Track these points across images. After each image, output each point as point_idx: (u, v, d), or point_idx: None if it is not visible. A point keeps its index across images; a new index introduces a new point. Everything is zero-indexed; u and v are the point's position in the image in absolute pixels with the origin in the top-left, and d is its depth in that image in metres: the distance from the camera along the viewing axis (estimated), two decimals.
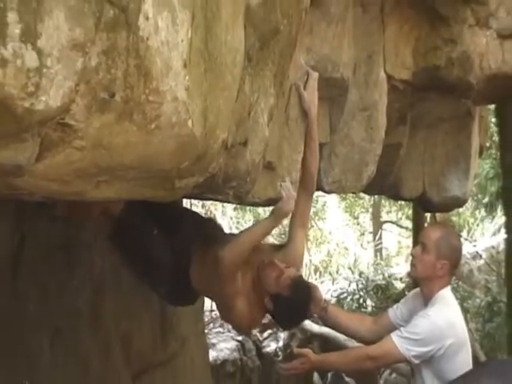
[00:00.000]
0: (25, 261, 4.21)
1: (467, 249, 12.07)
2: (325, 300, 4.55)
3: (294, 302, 3.88)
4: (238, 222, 16.15)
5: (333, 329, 4.82)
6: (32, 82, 1.94)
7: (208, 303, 8.36)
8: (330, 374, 4.07)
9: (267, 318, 4.31)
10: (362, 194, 10.64)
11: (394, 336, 4.07)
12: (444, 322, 4.11)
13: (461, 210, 11.12)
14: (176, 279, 4.10)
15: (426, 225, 11.55)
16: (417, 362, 4.07)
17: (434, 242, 4.24)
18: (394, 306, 4.64)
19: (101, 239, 4.62)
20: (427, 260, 4.22)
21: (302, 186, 4.09)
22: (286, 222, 4.36)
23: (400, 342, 4.03)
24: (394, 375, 8.97)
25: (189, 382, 5.27)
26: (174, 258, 4.09)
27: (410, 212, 13.11)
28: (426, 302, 4.26)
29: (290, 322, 4.14)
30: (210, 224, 4.55)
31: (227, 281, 3.79)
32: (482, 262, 13.49)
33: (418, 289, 4.52)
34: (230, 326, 11.04)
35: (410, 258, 4.60)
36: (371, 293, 13.60)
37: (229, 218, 16.02)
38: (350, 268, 15.66)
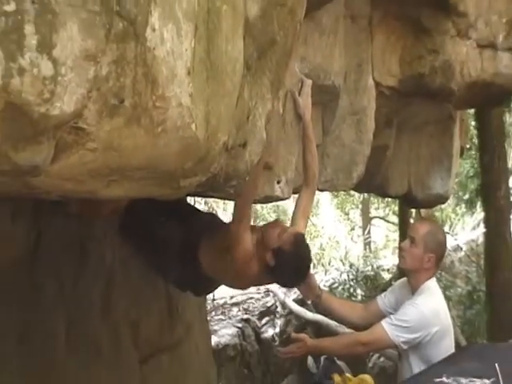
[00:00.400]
0: (41, 254, 4.21)
1: (449, 242, 12.07)
2: (319, 287, 4.55)
3: (296, 257, 3.80)
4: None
5: (326, 314, 4.82)
6: (47, 89, 1.93)
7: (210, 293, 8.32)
8: (322, 358, 4.06)
9: None
10: (352, 192, 10.65)
11: (385, 323, 4.06)
12: (430, 311, 4.12)
13: (443, 206, 11.15)
14: (185, 264, 4.07)
15: (411, 220, 11.58)
16: (405, 347, 4.07)
17: (422, 236, 4.24)
18: (382, 295, 4.64)
19: (111, 235, 4.62)
20: (415, 253, 4.22)
21: (305, 183, 4.10)
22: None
23: (390, 329, 4.02)
24: (381, 359, 8.97)
25: (194, 366, 5.28)
26: (183, 245, 4.08)
27: (397, 208, 13.14)
28: (412, 291, 4.26)
29: (290, 278, 3.96)
30: (212, 215, 4.54)
31: (238, 245, 3.73)
32: (462, 254, 13.50)
33: (404, 279, 4.52)
34: (230, 314, 11.09)
35: (399, 250, 4.60)
36: (361, 283, 13.61)
37: (229, 214, 16.01)
38: (341, 260, 15.66)
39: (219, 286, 4.52)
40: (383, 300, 4.51)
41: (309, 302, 4.59)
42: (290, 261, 3.77)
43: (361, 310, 4.67)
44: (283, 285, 3.98)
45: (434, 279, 4.34)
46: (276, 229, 3.84)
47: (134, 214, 4.11)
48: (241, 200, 3.65)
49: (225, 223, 4.39)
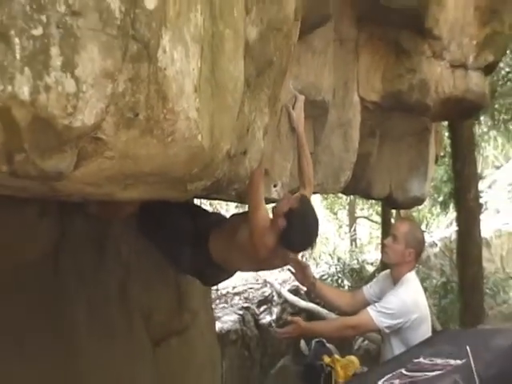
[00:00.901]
0: (65, 249, 4.22)
1: (425, 238, 12.11)
2: (314, 277, 4.56)
3: (303, 212, 3.75)
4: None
5: (318, 302, 4.83)
6: (71, 104, 1.94)
7: None
8: (313, 342, 4.05)
9: None
10: (340, 194, 10.62)
11: (370, 310, 4.09)
12: (411, 300, 4.15)
13: (420, 207, 11.14)
14: (197, 254, 4.07)
15: (392, 219, 11.57)
16: (387, 331, 4.10)
17: (403, 234, 4.28)
18: (368, 285, 4.67)
19: (127, 232, 4.62)
20: (397, 249, 4.26)
21: (302, 186, 4.08)
22: None
23: (375, 315, 4.05)
24: (366, 342, 8.96)
25: (200, 348, 5.28)
26: (195, 238, 4.09)
27: (379, 209, 13.11)
28: (394, 282, 4.29)
29: (301, 235, 3.79)
30: (218, 214, 4.54)
31: (257, 223, 3.73)
32: (437, 249, 13.50)
33: (387, 271, 4.54)
34: (232, 302, 11.07)
35: (382, 246, 4.64)
36: (347, 275, 13.61)
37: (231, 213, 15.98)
38: (330, 254, 15.65)
39: (226, 278, 4.52)
40: (368, 290, 4.53)
41: (304, 289, 4.60)
42: (299, 217, 3.71)
43: (349, 297, 4.71)
44: (296, 247, 3.83)
45: (413, 272, 4.37)
46: (285, 199, 3.82)
47: (150, 213, 4.11)
48: (249, 192, 3.67)
49: (231, 217, 4.42)
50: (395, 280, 4.29)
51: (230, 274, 4.42)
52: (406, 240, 4.25)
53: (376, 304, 4.15)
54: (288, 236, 3.72)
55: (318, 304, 9.22)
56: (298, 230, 3.74)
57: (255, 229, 3.75)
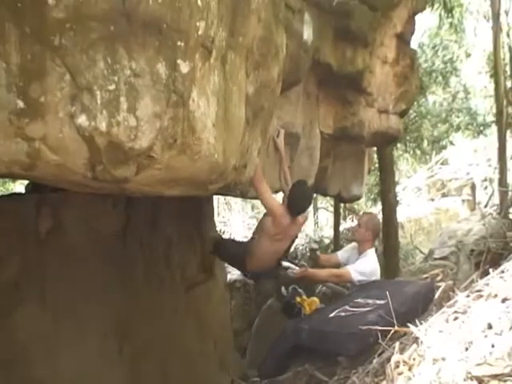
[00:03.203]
0: (130, 229, 4.22)
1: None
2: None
3: (299, 185, 3.86)
4: (242, 207, 16.12)
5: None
6: (133, 133, 1.94)
7: None
8: (290, 287, 4.01)
9: None
10: None
11: (350, 268, 4.07)
12: (374, 267, 4.14)
13: (359, 201, 11.15)
14: (241, 266, 4.28)
15: (341, 209, 11.50)
16: (357, 284, 4.05)
17: (364, 222, 4.29)
18: (340, 252, 4.64)
19: (170, 218, 4.59)
20: (361, 232, 4.24)
21: (285, 183, 4.06)
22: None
23: (353, 272, 4.02)
24: (324, 288, 8.82)
25: (216, 292, 5.24)
26: (241, 256, 4.15)
27: (333, 202, 13.12)
28: (359, 253, 4.25)
29: (300, 200, 3.88)
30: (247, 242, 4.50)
31: (272, 209, 3.79)
32: None
33: (353, 244, 4.49)
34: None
35: (353, 230, 4.62)
36: (311, 244, 13.49)
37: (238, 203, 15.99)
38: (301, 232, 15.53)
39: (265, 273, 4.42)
40: (342, 255, 4.48)
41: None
42: (297, 188, 3.83)
43: (327, 263, 4.56)
44: (299, 208, 3.82)
45: (373, 248, 4.34)
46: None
47: (222, 245, 4.57)
48: (255, 184, 3.64)
49: (251, 239, 4.32)
50: (360, 252, 4.25)
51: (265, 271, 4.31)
52: (366, 225, 4.24)
53: (354, 266, 4.10)
54: (292, 201, 3.82)
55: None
56: (298, 197, 3.84)
57: (269, 206, 3.79)
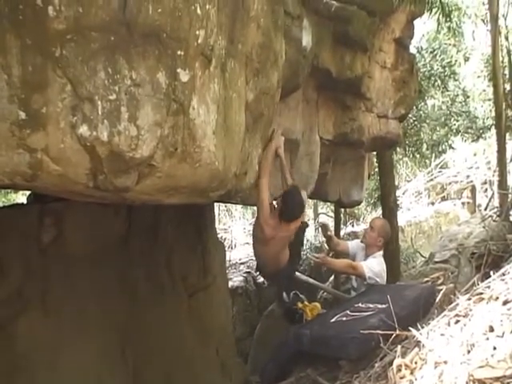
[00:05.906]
0: (131, 235, 4.22)
1: (363, 227, 12.04)
2: (332, 235, 4.76)
3: (292, 192, 3.83)
4: (243, 214, 16.12)
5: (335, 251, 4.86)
6: (133, 143, 1.95)
7: (227, 256, 8.26)
8: (292, 293, 3.97)
9: None
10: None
11: (363, 264, 4.18)
12: (383, 268, 4.26)
13: (359, 206, 11.12)
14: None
15: (341, 215, 11.47)
16: (367, 280, 4.15)
17: (378, 227, 4.38)
18: (350, 242, 4.80)
19: (171, 225, 4.60)
20: (373, 236, 4.33)
21: (286, 184, 4.02)
22: None
23: (366, 268, 4.13)
24: (325, 294, 8.79)
25: (218, 299, 5.22)
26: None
27: (333, 207, 13.10)
28: (366, 256, 4.33)
29: (294, 209, 3.84)
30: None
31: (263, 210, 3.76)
32: None
33: (358, 241, 4.63)
34: (239, 269, 11.00)
35: (364, 233, 4.66)
36: (312, 249, 13.50)
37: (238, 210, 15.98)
38: None
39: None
40: (352, 245, 4.61)
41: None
42: (289, 195, 3.81)
43: (341, 246, 4.74)
44: (290, 215, 3.80)
45: (381, 251, 4.40)
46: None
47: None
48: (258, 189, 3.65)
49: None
50: (367, 255, 4.32)
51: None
52: (378, 231, 4.31)
53: (367, 263, 4.20)
54: (285, 210, 3.79)
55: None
56: (290, 204, 3.81)
57: (262, 213, 3.77)
